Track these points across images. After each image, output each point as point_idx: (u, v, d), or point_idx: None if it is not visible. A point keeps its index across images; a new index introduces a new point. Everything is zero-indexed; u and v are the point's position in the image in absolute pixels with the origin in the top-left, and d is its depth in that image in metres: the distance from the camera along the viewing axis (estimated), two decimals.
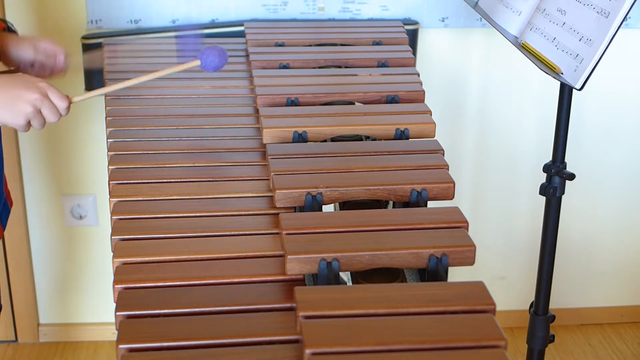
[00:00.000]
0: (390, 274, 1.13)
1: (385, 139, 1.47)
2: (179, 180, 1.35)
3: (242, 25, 2.08)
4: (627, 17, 1.43)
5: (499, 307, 0.99)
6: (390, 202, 1.34)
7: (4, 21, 1.60)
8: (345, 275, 1.21)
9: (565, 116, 1.69)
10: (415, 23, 2.23)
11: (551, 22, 1.57)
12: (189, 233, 1.21)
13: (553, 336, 1.87)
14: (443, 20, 2.26)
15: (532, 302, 1.86)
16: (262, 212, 1.27)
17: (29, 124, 1.39)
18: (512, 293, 2.60)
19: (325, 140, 1.48)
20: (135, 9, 2.18)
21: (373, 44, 1.92)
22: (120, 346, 0.96)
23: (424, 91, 1.64)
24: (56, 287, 2.53)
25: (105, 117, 1.59)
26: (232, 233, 1.21)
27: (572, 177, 1.71)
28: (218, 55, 1.55)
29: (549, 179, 1.74)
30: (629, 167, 2.50)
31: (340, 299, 0.97)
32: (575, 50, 1.49)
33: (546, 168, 1.74)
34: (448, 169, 1.33)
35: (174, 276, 1.10)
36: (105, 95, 1.67)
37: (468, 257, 1.10)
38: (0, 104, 1.36)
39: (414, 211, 1.23)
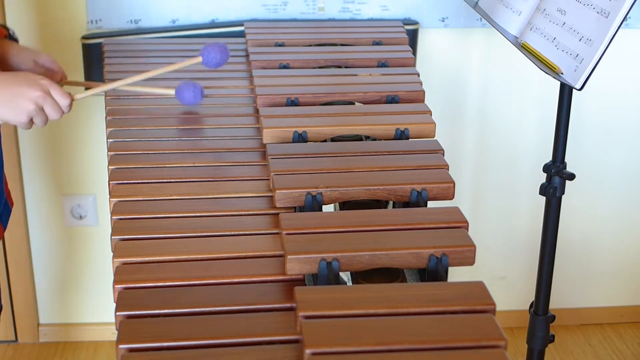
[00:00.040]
0: (390, 274, 1.13)
1: (385, 139, 1.47)
2: (179, 180, 1.35)
3: (242, 25, 2.08)
4: (627, 17, 1.43)
5: (499, 307, 0.99)
6: (390, 202, 1.34)
7: (6, 28, 1.60)
8: (345, 275, 1.21)
9: (565, 116, 1.69)
10: (415, 23, 2.23)
11: (551, 22, 1.57)
12: (189, 233, 1.21)
13: (553, 336, 1.87)
14: (443, 20, 2.26)
15: (532, 302, 1.86)
16: (262, 212, 1.27)
17: (31, 122, 1.39)
18: (512, 293, 2.60)
19: (325, 140, 1.48)
20: (135, 9, 2.18)
21: (373, 44, 1.92)
22: (120, 346, 0.96)
23: (424, 91, 1.64)
24: (56, 287, 2.53)
25: (105, 117, 1.59)
26: (232, 233, 1.21)
27: (572, 177, 1.71)
28: (220, 52, 1.55)
29: (549, 179, 1.74)
30: (629, 167, 2.51)
31: (340, 299, 0.97)
32: (575, 50, 1.49)
33: (546, 168, 1.74)
34: (448, 169, 1.33)
35: (174, 276, 1.10)
36: (106, 95, 1.67)
37: (468, 257, 1.10)
38: (2, 102, 1.36)
39: (414, 211, 1.23)
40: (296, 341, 0.96)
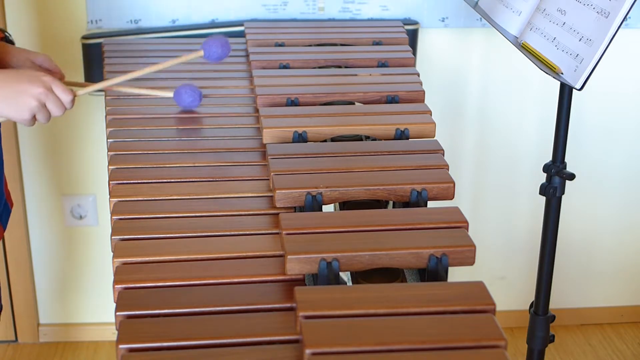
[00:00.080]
0: (390, 274, 1.13)
1: (385, 139, 1.47)
2: (179, 180, 1.35)
3: (242, 25, 2.08)
4: (627, 17, 1.43)
5: (499, 307, 0.99)
6: (390, 202, 1.34)
7: (2, 31, 1.60)
8: (345, 275, 1.21)
9: (565, 116, 1.69)
10: (415, 23, 2.23)
11: (551, 22, 1.57)
12: (189, 233, 1.21)
13: (553, 336, 1.87)
14: (443, 20, 2.26)
15: (532, 302, 1.86)
16: (262, 212, 1.27)
17: (34, 119, 1.39)
18: (512, 293, 2.60)
19: (325, 140, 1.48)
20: (135, 9, 2.18)
21: (373, 44, 1.92)
22: (120, 346, 0.96)
23: (424, 91, 1.64)
24: (56, 287, 2.53)
25: (105, 117, 1.59)
26: (232, 233, 1.21)
27: (572, 177, 1.71)
28: (221, 46, 1.54)
29: (549, 179, 1.74)
30: (629, 167, 2.51)
31: (340, 299, 0.97)
32: (575, 50, 1.49)
33: (546, 168, 1.74)
34: (448, 169, 1.33)
35: (174, 276, 1.10)
36: (105, 95, 1.67)
37: (468, 257, 1.10)
38: (4, 99, 1.35)
39: (414, 211, 1.23)
40: (296, 341, 0.96)
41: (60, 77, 1.58)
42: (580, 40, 1.48)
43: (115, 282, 1.09)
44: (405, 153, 1.39)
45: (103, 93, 1.70)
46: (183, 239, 1.19)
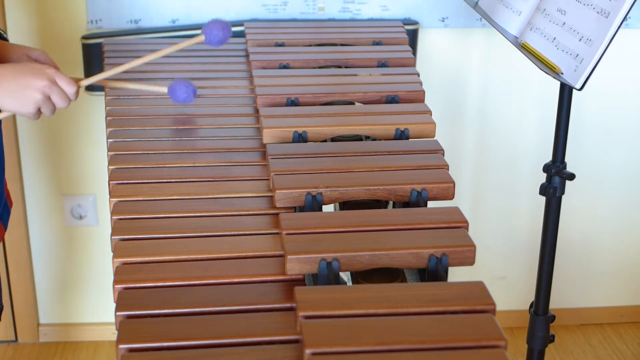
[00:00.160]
0: (390, 274, 1.13)
1: (385, 139, 1.47)
2: (179, 180, 1.35)
3: (242, 25, 2.08)
4: (627, 17, 1.43)
5: (499, 307, 0.99)
6: (390, 202, 1.34)
7: None
8: (345, 275, 1.21)
9: (565, 116, 1.69)
10: (415, 23, 2.23)
11: (551, 22, 1.57)
12: (189, 233, 1.20)
13: (553, 336, 1.87)
14: (443, 20, 2.26)
15: (532, 302, 1.86)
16: (262, 212, 1.27)
17: (39, 112, 1.39)
18: (512, 293, 2.60)
19: (325, 140, 1.48)
20: (135, 9, 2.18)
21: (373, 44, 1.92)
22: (120, 346, 0.96)
23: (424, 91, 1.64)
24: (56, 287, 2.53)
25: (105, 117, 1.59)
26: (232, 233, 1.21)
27: (572, 177, 1.71)
28: (222, 29, 1.53)
29: (549, 179, 1.74)
30: (629, 167, 2.51)
31: (340, 299, 0.97)
32: (575, 50, 1.49)
33: (546, 168, 1.74)
34: (448, 169, 1.33)
35: (174, 276, 1.10)
36: (105, 95, 1.67)
37: (468, 257, 1.10)
38: (9, 93, 1.35)
39: (414, 211, 1.23)
40: (296, 341, 0.96)
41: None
42: (580, 40, 1.48)
43: (115, 282, 1.09)
44: (405, 153, 1.39)
45: (103, 93, 1.70)
46: (183, 239, 1.19)
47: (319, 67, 1.80)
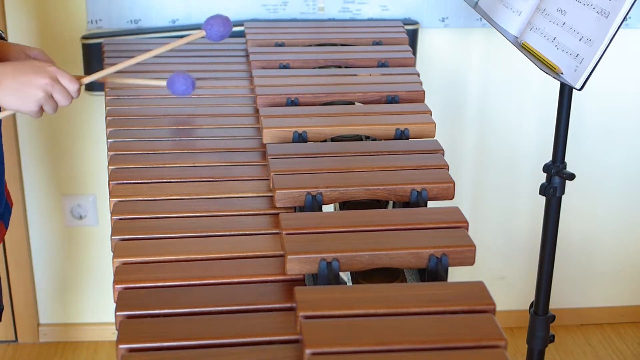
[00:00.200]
0: (390, 274, 1.13)
1: (385, 139, 1.47)
2: (179, 180, 1.35)
3: (242, 25, 2.08)
4: (627, 17, 1.43)
5: (499, 307, 0.99)
6: (390, 202, 1.34)
7: None
8: (345, 275, 1.21)
9: (565, 116, 1.69)
10: (415, 23, 2.23)
11: (551, 22, 1.57)
12: (189, 233, 1.20)
13: (553, 336, 1.87)
14: (443, 20, 2.26)
15: (532, 302, 1.86)
16: (262, 212, 1.27)
17: (41, 110, 1.38)
18: (512, 293, 2.60)
19: (325, 140, 1.48)
20: (135, 9, 2.18)
21: (373, 44, 1.92)
22: (120, 346, 0.96)
23: (424, 91, 1.64)
24: (56, 287, 2.53)
25: (105, 117, 1.59)
26: (232, 233, 1.21)
27: (572, 177, 1.71)
28: (222, 24, 1.52)
29: (549, 179, 1.74)
30: (629, 167, 2.51)
31: (340, 299, 0.97)
32: (575, 50, 1.49)
33: (546, 168, 1.74)
34: (448, 169, 1.33)
35: (174, 276, 1.10)
36: (105, 95, 1.67)
37: (468, 257, 1.10)
38: (11, 91, 1.34)
39: (414, 211, 1.23)
40: (296, 341, 0.96)
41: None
42: (580, 40, 1.48)
43: (115, 282, 1.09)
44: (405, 153, 1.39)
45: (103, 93, 1.70)
46: (183, 239, 1.19)
47: (319, 67, 1.80)
